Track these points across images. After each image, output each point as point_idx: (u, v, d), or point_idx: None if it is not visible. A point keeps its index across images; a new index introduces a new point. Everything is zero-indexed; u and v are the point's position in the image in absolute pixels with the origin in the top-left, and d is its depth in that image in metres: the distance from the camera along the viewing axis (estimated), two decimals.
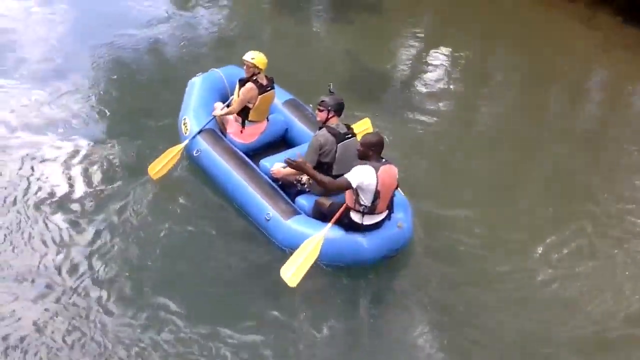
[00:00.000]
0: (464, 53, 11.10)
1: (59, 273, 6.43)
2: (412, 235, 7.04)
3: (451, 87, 10.09)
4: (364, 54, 10.46)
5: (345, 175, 6.36)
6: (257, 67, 7.42)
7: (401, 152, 8.20)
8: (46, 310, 6.08)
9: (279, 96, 8.08)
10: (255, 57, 7.39)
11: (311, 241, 6.49)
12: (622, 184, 8.39)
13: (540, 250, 7.30)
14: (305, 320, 6.39)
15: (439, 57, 10.87)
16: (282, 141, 7.93)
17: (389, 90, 9.79)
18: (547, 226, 7.60)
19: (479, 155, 8.64)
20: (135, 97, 9.05)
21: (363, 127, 7.73)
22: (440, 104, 9.54)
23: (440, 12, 12.41)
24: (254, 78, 7.46)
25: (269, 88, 7.56)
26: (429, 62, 10.72)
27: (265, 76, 7.55)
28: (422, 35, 11.46)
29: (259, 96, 7.47)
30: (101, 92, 9.07)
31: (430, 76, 10.29)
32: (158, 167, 7.32)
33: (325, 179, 6.49)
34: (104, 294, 6.28)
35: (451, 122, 9.32)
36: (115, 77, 9.38)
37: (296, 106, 8.09)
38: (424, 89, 9.90)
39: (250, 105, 7.52)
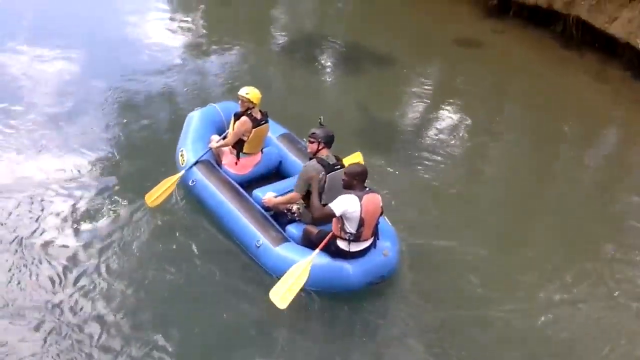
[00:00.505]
0: (472, 106, 11.30)
1: (55, 305, 6.70)
2: (397, 263, 7.34)
3: (459, 138, 10.25)
4: (373, 104, 10.73)
5: (329, 205, 6.72)
6: (252, 102, 7.85)
7: (407, 197, 8.58)
8: (42, 343, 6.31)
9: (274, 130, 8.51)
10: (250, 92, 7.84)
11: (299, 266, 6.80)
12: (629, 233, 8.53)
13: (539, 290, 7.47)
14: (292, 346, 6.65)
15: (448, 109, 11.06)
16: (276, 173, 8.30)
17: (397, 140, 9.98)
18: (549, 269, 7.77)
19: (486, 203, 8.85)
20: (140, 137, 9.42)
21: (355, 161, 8.01)
22: (448, 155, 9.73)
23: (450, 65, 12.66)
24: (249, 112, 7.88)
25: (262, 122, 7.97)
26: (438, 114, 10.92)
27: (260, 110, 7.97)
28: (431, 87, 11.70)
29: (253, 129, 7.88)
30: (108, 133, 9.43)
31: (438, 128, 10.45)
32: (155, 196, 7.69)
33: (317, 204, 6.87)
34: (98, 327, 6.53)
35: (459, 172, 9.54)
36: (124, 120, 9.72)
37: (290, 140, 8.49)
38: (431, 140, 10.09)
39: (245, 138, 7.92)
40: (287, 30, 13.48)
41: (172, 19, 13.37)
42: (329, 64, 12.46)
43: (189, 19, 13.35)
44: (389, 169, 9.15)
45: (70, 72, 10.95)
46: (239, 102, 7.98)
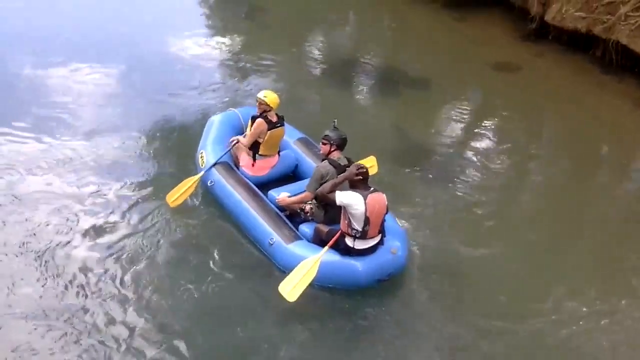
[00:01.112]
0: (509, 128, 11.38)
1: (77, 310, 6.95)
2: (405, 262, 7.59)
3: (495, 159, 10.30)
4: (408, 126, 10.85)
5: (336, 192, 7.09)
6: (268, 105, 8.27)
7: (440, 212, 8.80)
8: (62, 348, 6.54)
9: (292, 135, 8.92)
10: (267, 96, 8.28)
11: (309, 261, 7.12)
12: None
13: (567, 302, 7.59)
14: (300, 340, 6.92)
15: (483, 131, 11.12)
16: (292, 176, 8.65)
17: (433, 159, 10.12)
18: (579, 284, 7.91)
19: (517, 219, 8.96)
20: (171, 149, 9.69)
21: (369, 165, 8.32)
22: (482, 174, 9.81)
23: (487, 88, 12.70)
24: (265, 115, 8.29)
25: (278, 125, 8.36)
26: (473, 135, 11.01)
27: (276, 114, 8.37)
28: (468, 109, 11.78)
29: (269, 132, 8.27)
30: (139, 143, 9.74)
31: (473, 148, 10.46)
32: (175, 196, 8.12)
33: (327, 187, 7.27)
34: (119, 326, 6.83)
35: (493, 190, 9.66)
36: (157, 133, 9.97)
37: (307, 144, 8.86)
38: (466, 160, 10.17)
39: (260, 140, 8.32)
40: (324, 52, 13.66)
41: (210, 38, 13.72)
42: (365, 85, 12.63)
43: (227, 39, 13.63)
44: (423, 186, 9.36)
45: (106, 86, 11.33)
46: (257, 104, 8.41)
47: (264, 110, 8.34)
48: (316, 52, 13.63)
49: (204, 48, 13.16)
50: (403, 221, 8.37)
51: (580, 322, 7.36)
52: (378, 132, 10.60)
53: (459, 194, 9.34)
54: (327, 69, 12.74)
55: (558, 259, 8.30)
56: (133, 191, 8.66)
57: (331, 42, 14.28)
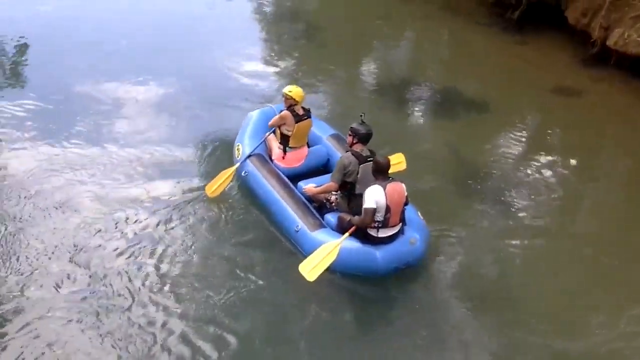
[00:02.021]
0: (568, 152, 11.32)
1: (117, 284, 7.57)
2: (424, 253, 7.98)
3: (552, 182, 10.27)
4: (464, 148, 10.89)
5: (365, 207, 7.49)
6: (293, 99, 8.84)
7: (489, 235, 8.95)
8: (101, 342, 6.91)
9: (324, 131, 9.50)
10: (292, 90, 8.87)
11: (330, 245, 7.59)
12: None
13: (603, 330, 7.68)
14: (319, 324, 7.40)
15: (542, 154, 11.10)
16: (323, 170, 9.10)
17: (486, 183, 10.13)
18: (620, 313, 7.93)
19: (569, 247, 8.95)
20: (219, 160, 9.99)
21: (397, 161, 8.83)
22: (537, 198, 9.78)
23: (546, 112, 12.72)
24: (291, 108, 8.88)
25: (304, 117, 8.90)
26: (531, 159, 10.95)
27: (302, 107, 8.92)
28: (526, 133, 11.78)
29: (296, 124, 8.83)
30: (186, 151, 10.16)
31: (531, 171, 10.56)
32: (214, 187, 8.74)
33: (356, 221, 7.67)
34: (153, 306, 7.35)
35: (547, 214, 9.62)
36: (206, 145, 10.27)
37: (338, 140, 9.34)
38: (521, 184, 10.14)
39: (289, 133, 8.88)
40: (380, 71, 13.87)
41: (264, 55, 14.10)
42: (421, 105, 12.76)
43: (281, 56, 13.92)
44: (476, 206, 9.51)
45: (157, 97, 11.79)
46: (283, 100, 9.01)
47: (290, 105, 8.92)
48: (373, 71, 13.91)
49: (257, 64, 13.53)
50: (452, 239, 8.69)
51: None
52: (433, 152, 10.78)
53: (511, 214, 9.44)
54: (384, 88, 12.87)
55: (606, 282, 8.37)
56: (175, 188, 9.21)
57: (388, 62, 14.49)
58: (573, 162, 11.11)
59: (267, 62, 13.72)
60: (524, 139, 11.58)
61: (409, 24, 16.22)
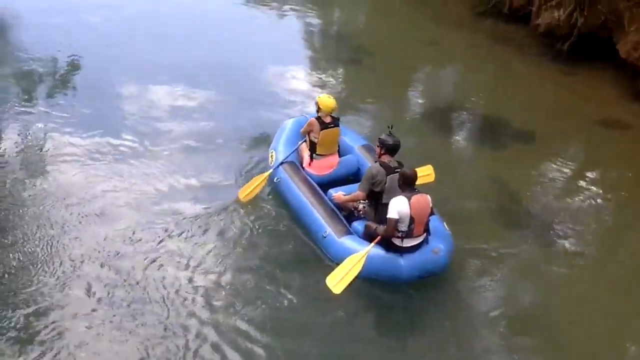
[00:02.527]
0: (615, 185, 11.24)
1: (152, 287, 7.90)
2: (447, 262, 8.18)
3: (595, 216, 10.24)
4: (508, 178, 10.86)
5: (388, 216, 7.75)
6: (319, 106, 9.18)
7: (529, 267, 8.95)
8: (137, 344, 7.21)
9: (356, 141, 9.81)
10: (321, 98, 9.26)
11: (356, 257, 7.84)
12: None
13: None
14: (343, 326, 7.70)
15: (585, 187, 11.03)
16: (353, 179, 9.32)
17: (529, 212, 10.09)
18: None
19: (614, 288, 8.88)
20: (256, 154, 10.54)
21: (425, 173, 9.07)
22: (581, 231, 9.77)
23: (592, 145, 12.63)
24: (318, 115, 9.20)
25: (331, 125, 9.19)
26: (574, 191, 10.93)
27: (331, 116, 9.21)
28: (571, 165, 11.67)
29: (321, 131, 9.13)
30: (230, 151, 10.70)
31: (573, 204, 10.50)
32: (247, 192, 9.09)
33: (381, 231, 7.99)
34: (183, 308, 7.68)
35: (589, 248, 9.61)
36: (248, 151, 10.74)
37: (369, 150, 9.57)
38: (565, 215, 10.06)
39: (315, 140, 9.19)
40: (426, 97, 13.93)
41: (311, 76, 14.28)
42: (465, 133, 12.78)
43: (328, 78, 13.95)
44: (517, 231, 9.56)
45: (201, 105, 12.24)
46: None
47: (317, 111, 9.29)
48: (419, 96, 14.06)
49: (303, 83, 13.76)
50: (487, 258, 8.85)
51: None
52: (476, 178, 10.91)
53: (551, 241, 9.49)
54: (430, 113, 12.96)
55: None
56: (212, 198, 9.53)
57: (435, 88, 14.58)
58: (618, 194, 11.03)
59: (313, 81, 13.95)
60: (568, 170, 11.56)
61: (457, 51, 16.30)
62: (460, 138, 12.44)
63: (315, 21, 16.98)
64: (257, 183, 9.20)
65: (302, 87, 13.56)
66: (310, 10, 17.45)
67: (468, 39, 16.46)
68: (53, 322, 7.28)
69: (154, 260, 8.28)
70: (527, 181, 11.00)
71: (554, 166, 11.55)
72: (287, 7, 17.75)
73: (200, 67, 13.62)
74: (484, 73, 15.43)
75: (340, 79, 14.05)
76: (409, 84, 14.46)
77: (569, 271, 8.94)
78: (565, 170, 11.51)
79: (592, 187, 11.10)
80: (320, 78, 14.16)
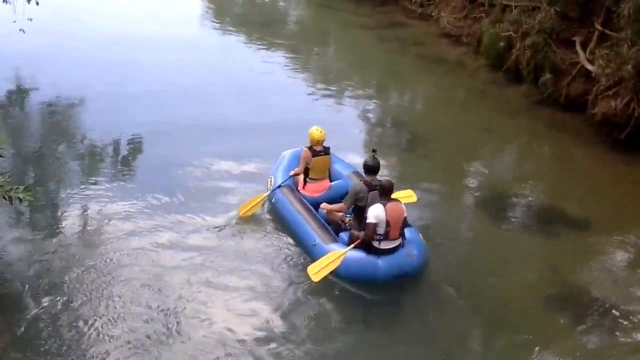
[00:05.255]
0: None
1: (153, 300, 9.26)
2: (421, 265, 9.80)
3: None
4: (563, 266, 10.94)
5: (367, 221, 9.41)
6: (310, 138, 10.89)
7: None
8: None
9: (346, 168, 11.53)
10: (310, 130, 10.93)
11: (337, 253, 9.53)
12: None
13: None
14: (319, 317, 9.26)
15: None
16: (342, 200, 10.70)
17: (588, 306, 10.08)
18: None
19: None
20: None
21: (406, 195, 10.79)
22: None
23: None
24: (310, 145, 10.90)
25: (322, 153, 10.89)
26: (631, 282, 10.81)
27: (323, 146, 10.91)
28: (629, 256, 11.57)
29: (313, 158, 10.84)
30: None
31: (633, 296, 10.41)
32: (246, 209, 10.93)
33: (363, 235, 9.57)
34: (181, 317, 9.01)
35: None
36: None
37: (358, 176, 11.03)
38: (625, 309, 9.96)
39: (309, 166, 10.90)
40: (480, 183, 13.93)
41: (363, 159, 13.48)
42: (519, 220, 12.76)
43: (383, 161, 11.82)
44: (576, 330, 9.59)
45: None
46: None
47: (310, 141, 10.98)
48: (472, 183, 14.04)
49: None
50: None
51: None
52: (529, 267, 11.07)
53: (617, 336, 9.50)
54: (483, 201, 13.08)
55: None
56: (217, 209, 11.45)
57: (489, 175, 14.49)
58: None
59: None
60: (627, 261, 11.52)
61: (513, 138, 16.67)
62: (512, 224, 12.60)
63: (372, 106, 17.82)
64: (257, 202, 11.04)
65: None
66: (368, 96, 18.41)
67: (524, 127, 16.86)
68: (95, 332, 8.72)
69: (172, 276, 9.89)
70: (583, 271, 11.14)
71: (613, 256, 11.59)
72: (346, 91, 18.73)
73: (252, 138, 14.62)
74: (540, 161, 15.81)
75: (395, 164, 14.29)
76: (464, 171, 14.48)
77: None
78: (624, 260, 11.52)
79: None
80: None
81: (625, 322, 9.64)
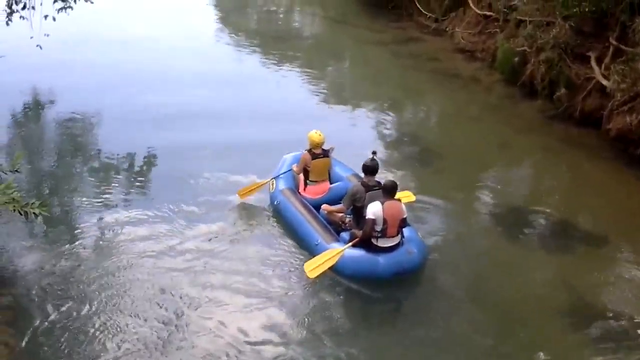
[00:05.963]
0: None
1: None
2: (420, 262, 10.04)
3: None
4: (578, 282, 10.93)
5: (366, 218, 9.66)
6: (309, 141, 11.17)
7: None
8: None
9: (346, 171, 11.76)
10: (309, 134, 11.22)
11: (334, 250, 9.74)
12: None
13: None
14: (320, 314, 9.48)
15: None
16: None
17: (605, 323, 10.06)
18: None
19: None
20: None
21: (405, 195, 10.96)
22: None
23: None
24: (310, 149, 11.15)
25: (321, 155, 11.14)
26: None
27: (322, 149, 11.15)
28: None
29: (312, 161, 11.10)
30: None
31: None
32: (245, 192, 11.67)
33: (362, 232, 9.85)
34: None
35: None
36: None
37: (357, 177, 11.29)
38: None
39: (309, 169, 11.15)
40: (494, 198, 13.92)
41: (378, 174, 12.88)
42: (534, 235, 12.76)
43: (396, 176, 13.97)
44: (593, 347, 9.57)
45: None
46: None
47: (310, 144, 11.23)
48: (486, 197, 14.01)
49: None
50: None
51: None
52: (545, 282, 11.09)
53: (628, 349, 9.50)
54: (496, 215, 13.12)
55: None
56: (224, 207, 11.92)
57: (502, 189, 14.60)
58: None
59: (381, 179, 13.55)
60: None
61: (528, 153, 16.52)
62: (527, 240, 12.58)
63: (387, 121, 17.79)
64: (255, 187, 11.72)
65: None
66: (383, 111, 18.35)
67: (539, 142, 16.69)
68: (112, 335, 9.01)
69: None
70: (598, 286, 11.05)
71: (629, 272, 11.47)
72: (361, 106, 18.77)
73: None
74: (554, 176, 15.73)
75: (410, 178, 14.28)
76: (479, 185, 14.55)
77: None
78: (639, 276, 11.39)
79: None
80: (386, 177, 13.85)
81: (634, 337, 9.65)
